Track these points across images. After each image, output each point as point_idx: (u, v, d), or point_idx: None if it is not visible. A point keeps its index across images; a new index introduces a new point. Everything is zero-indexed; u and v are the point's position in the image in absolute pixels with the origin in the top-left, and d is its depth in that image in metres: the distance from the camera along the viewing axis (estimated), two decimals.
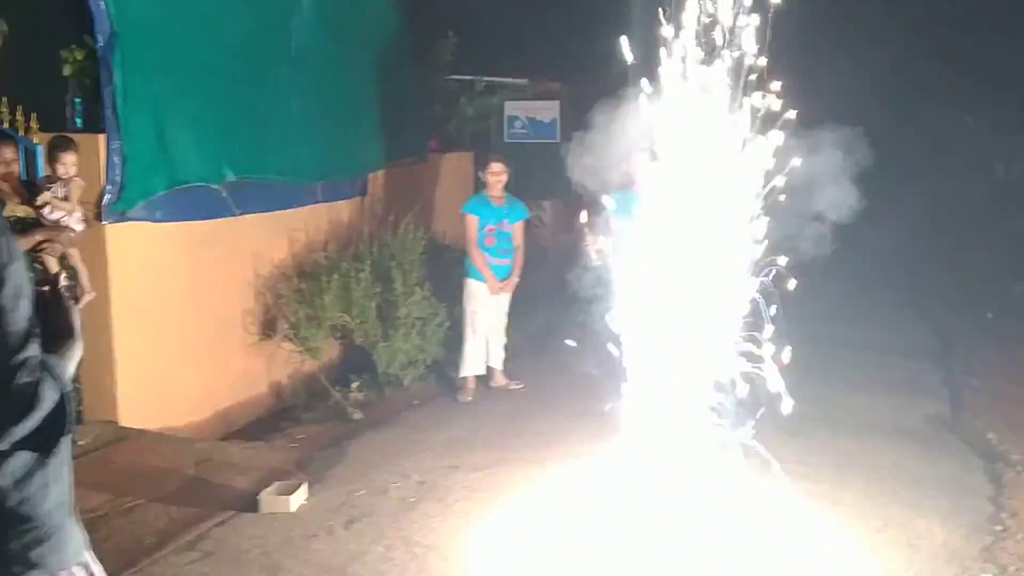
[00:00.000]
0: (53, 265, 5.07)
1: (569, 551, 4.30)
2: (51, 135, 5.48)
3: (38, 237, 4.97)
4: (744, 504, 4.50)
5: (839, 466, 5.18)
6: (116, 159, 5.48)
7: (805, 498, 4.75)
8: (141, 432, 5.58)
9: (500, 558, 4.30)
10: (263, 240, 6.87)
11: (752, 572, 4.10)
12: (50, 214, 5.05)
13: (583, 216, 6.15)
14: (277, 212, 7.01)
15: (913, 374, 7.00)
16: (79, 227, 5.18)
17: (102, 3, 5.37)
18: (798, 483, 4.87)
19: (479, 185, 7.11)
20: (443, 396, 6.83)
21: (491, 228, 6.79)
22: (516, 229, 6.89)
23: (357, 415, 6.37)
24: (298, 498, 4.78)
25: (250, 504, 4.73)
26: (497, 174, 6.84)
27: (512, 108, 10.93)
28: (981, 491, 5.02)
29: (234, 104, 6.48)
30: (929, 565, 4.22)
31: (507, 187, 6.92)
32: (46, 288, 4.21)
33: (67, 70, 5.78)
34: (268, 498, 4.72)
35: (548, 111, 10.82)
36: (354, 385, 6.68)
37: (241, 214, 6.52)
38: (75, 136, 5.56)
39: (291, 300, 6.75)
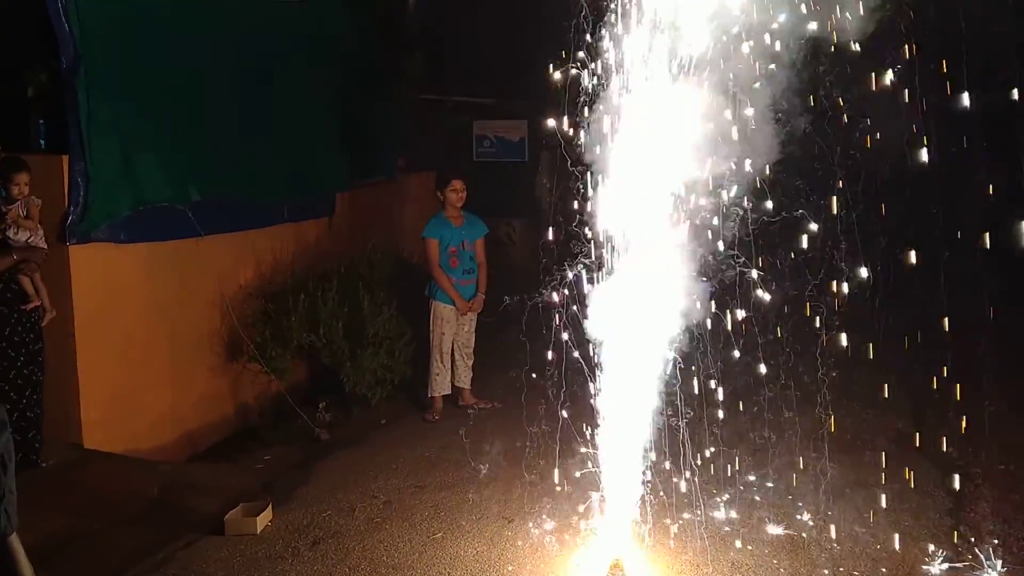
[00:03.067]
0: (29, 285, 5.07)
1: (534, 567, 4.33)
2: (14, 155, 5.45)
3: (16, 257, 4.95)
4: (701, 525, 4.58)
5: (800, 481, 5.23)
6: (80, 180, 5.46)
7: (765, 512, 4.83)
8: (106, 454, 5.54)
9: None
10: (228, 260, 6.86)
11: None
12: (15, 235, 5.02)
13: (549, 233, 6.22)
14: (243, 232, 7.01)
15: (875, 390, 7.08)
16: (43, 246, 5.18)
17: (66, 25, 5.35)
18: (758, 497, 4.97)
19: (439, 204, 7.08)
20: (411, 415, 6.84)
21: (453, 249, 6.81)
22: (478, 246, 6.92)
23: (324, 435, 6.36)
24: (263, 520, 4.77)
25: (216, 526, 4.71)
26: (459, 191, 6.87)
27: (481, 127, 10.99)
28: (941, 506, 5.08)
29: (199, 124, 6.47)
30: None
31: (465, 205, 6.96)
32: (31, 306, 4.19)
33: (31, 91, 5.76)
34: (233, 520, 4.71)
35: (516, 130, 10.90)
36: (321, 406, 6.65)
37: (206, 234, 6.50)
38: (38, 157, 5.55)
39: (257, 320, 6.74)
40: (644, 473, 4.58)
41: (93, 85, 5.50)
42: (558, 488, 5.02)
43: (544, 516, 4.84)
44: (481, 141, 11.10)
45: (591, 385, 4.49)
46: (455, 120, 10.72)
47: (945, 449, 5.65)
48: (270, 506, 4.88)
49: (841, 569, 4.35)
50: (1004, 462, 5.65)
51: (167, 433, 6.25)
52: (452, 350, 6.86)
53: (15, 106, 5.81)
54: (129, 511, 4.93)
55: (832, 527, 4.71)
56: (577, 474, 4.95)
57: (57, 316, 5.33)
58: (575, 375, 4.65)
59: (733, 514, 4.86)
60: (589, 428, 4.71)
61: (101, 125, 5.57)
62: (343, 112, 8.35)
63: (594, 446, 4.68)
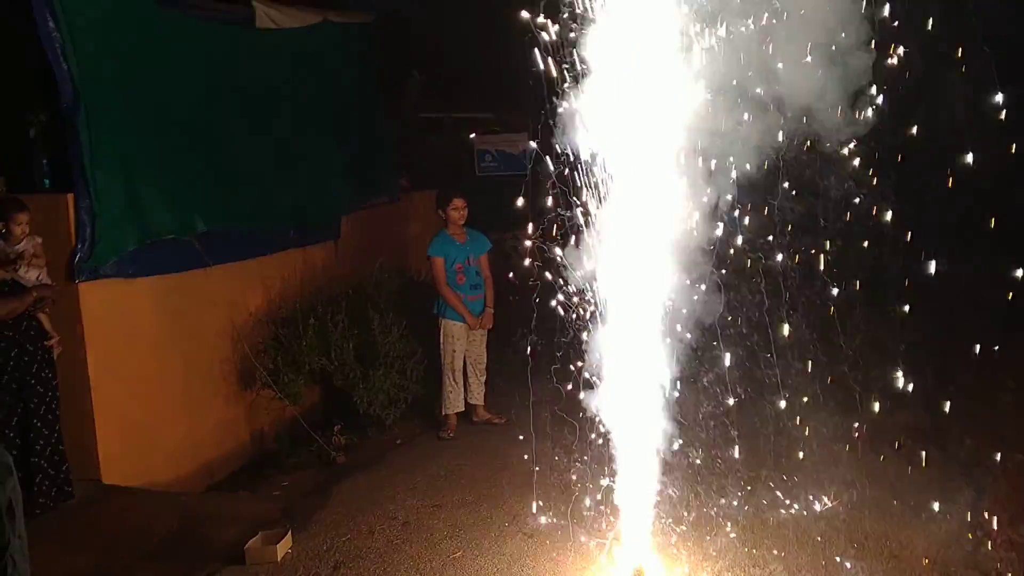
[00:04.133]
0: (48, 322, 5.13)
1: None
2: (14, 196, 5.50)
3: (35, 295, 5.02)
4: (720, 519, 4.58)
5: (819, 478, 5.22)
6: (86, 217, 5.49)
7: (786, 510, 4.82)
8: (125, 489, 5.56)
9: None
10: (237, 288, 6.89)
11: None
12: (26, 273, 5.07)
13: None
14: (250, 260, 7.03)
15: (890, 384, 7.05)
16: (50, 282, 5.24)
17: (64, 65, 5.40)
18: (778, 494, 4.97)
19: (441, 222, 7.11)
20: (426, 434, 6.85)
21: (459, 266, 6.84)
22: (483, 262, 6.95)
23: (340, 459, 6.37)
24: (283, 547, 4.78)
25: (237, 556, 4.72)
26: (461, 209, 6.91)
27: (482, 142, 11.00)
28: (961, 498, 5.06)
29: (202, 155, 6.51)
30: (912, 575, 4.27)
31: (467, 222, 6.99)
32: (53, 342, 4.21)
33: (33, 132, 5.81)
34: (253, 549, 4.72)
35: (517, 143, 10.91)
36: (336, 428, 6.66)
37: (213, 264, 6.53)
38: (44, 196, 5.61)
39: (269, 346, 6.76)
40: (662, 483, 4.60)
41: (94, 123, 5.54)
42: (576, 501, 5.01)
43: (563, 530, 4.83)
44: (483, 156, 11.11)
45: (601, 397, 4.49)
46: (455, 137, 10.74)
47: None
48: (289, 533, 4.89)
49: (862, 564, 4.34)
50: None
51: (184, 464, 6.27)
52: (464, 367, 6.86)
53: (18, 147, 5.86)
54: (151, 545, 4.94)
55: (852, 524, 4.71)
56: (594, 486, 4.95)
57: (70, 352, 5.37)
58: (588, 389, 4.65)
59: (748, 516, 4.85)
60: (604, 440, 4.73)
61: (104, 162, 5.61)
62: (344, 136, 8.39)
63: (610, 459, 4.70)
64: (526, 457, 5.71)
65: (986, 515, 4.82)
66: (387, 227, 9.06)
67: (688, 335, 4.43)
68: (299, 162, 7.63)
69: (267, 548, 4.73)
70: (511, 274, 6.15)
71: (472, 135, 10.70)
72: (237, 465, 6.71)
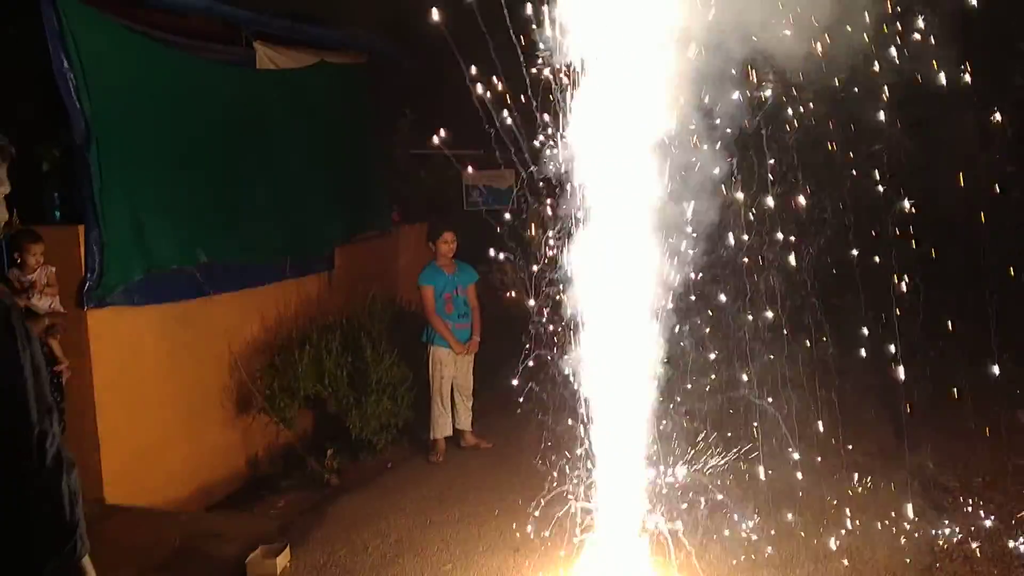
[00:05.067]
0: (58, 348, 5.40)
1: None
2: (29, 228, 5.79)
3: (47, 322, 5.29)
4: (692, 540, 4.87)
5: (787, 496, 5.51)
6: (95, 248, 5.78)
7: (750, 530, 5.12)
8: (127, 508, 5.80)
9: None
10: (235, 317, 7.16)
11: None
12: (39, 301, 5.35)
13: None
14: (248, 289, 7.32)
15: (858, 410, 7.37)
16: (62, 310, 5.51)
17: (77, 103, 5.71)
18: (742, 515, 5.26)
19: (431, 254, 7.47)
20: (415, 458, 7.10)
21: (448, 295, 7.16)
22: (470, 291, 7.27)
23: (334, 481, 6.62)
24: (282, 561, 5.04)
25: (236, 571, 4.97)
26: (450, 243, 7.25)
27: (469, 178, 11.35)
28: (922, 517, 5.36)
29: (204, 190, 6.82)
30: None
31: (456, 255, 7.34)
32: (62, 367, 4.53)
33: (45, 166, 6.11)
34: (254, 562, 4.97)
35: (504, 179, 11.26)
36: (329, 452, 6.92)
37: (213, 293, 6.82)
38: (55, 228, 5.89)
39: (265, 373, 7.03)
40: (640, 497, 4.90)
41: (104, 158, 5.84)
42: (560, 517, 5.28)
43: (548, 544, 5.11)
44: (471, 191, 11.46)
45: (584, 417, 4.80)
46: (444, 172, 11.08)
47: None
48: (288, 548, 5.14)
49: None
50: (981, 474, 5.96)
51: (184, 485, 6.51)
52: (452, 393, 7.16)
53: (30, 180, 6.14)
54: (154, 561, 5.18)
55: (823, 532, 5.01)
56: (577, 503, 5.22)
57: (77, 376, 5.63)
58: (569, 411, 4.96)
59: (725, 522, 5.15)
60: (585, 458, 5.04)
61: (113, 195, 5.90)
62: (338, 172, 8.70)
63: (590, 476, 5.01)
64: (513, 479, 6.00)
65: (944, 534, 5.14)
66: (378, 259, 9.36)
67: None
68: (295, 196, 7.93)
69: (267, 562, 4.99)
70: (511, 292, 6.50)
71: (467, 168, 11.07)
72: (233, 487, 6.95)
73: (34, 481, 2.01)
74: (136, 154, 6.16)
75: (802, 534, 5.16)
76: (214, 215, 6.90)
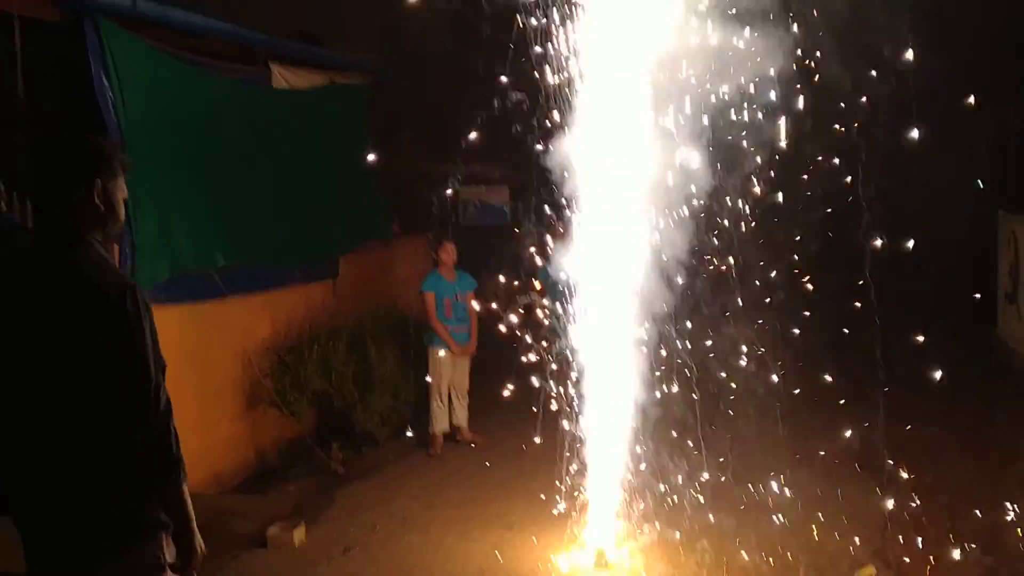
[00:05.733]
0: None
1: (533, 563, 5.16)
2: None
3: None
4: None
5: (756, 490, 6.08)
6: (128, 250, 6.29)
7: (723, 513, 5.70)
8: None
9: (476, 571, 5.12)
10: (248, 318, 7.69)
11: None
12: None
13: (536, 284, 7.36)
14: (260, 292, 7.85)
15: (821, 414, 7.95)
16: None
17: (114, 115, 6.25)
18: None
19: (432, 263, 8.06)
20: (415, 452, 7.63)
21: (448, 301, 7.72)
22: (468, 298, 7.83)
23: (340, 470, 7.14)
24: (299, 535, 5.57)
25: (258, 542, 5.49)
26: (451, 252, 7.83)
27: (466, 193, 11.93)
28: (877, 509, 5.91)
29: (223, 199, 7.35)
30: (829, 561, 5.13)
31: (457, 264, 7.89)
32: None
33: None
34: (275, 534, 5.50)
35: (499, 195, 11.85)
36: (335, 445, 7.44)
37: (230, 295, 7.35)
38: None
39: (276, 370, 7.55)
40: (621, 484, 5.48)
41: (136, 168, 6.35)
42: (550, 500, 5.86)
43: (539, 522, 5.67)
44: (466, 207, 12.04)
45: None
46: (442, 187, 11.64)
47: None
48: (303, 524, 5.67)
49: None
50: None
51: (198, 472, 6.95)
52: (449, 391, 7.70)
53: None
54: None
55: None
56: (565, 488, 5.80)
57: None
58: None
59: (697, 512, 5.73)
60: (571, 450, 5.64)
61: (143, 202, 6.41)
62: (344, 185, 9.25)
63: (577, 465, 5.62)
64: (507, 469, 6.56)
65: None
66: (380, 267, 9.91)
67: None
68: (304, 207, 8.47)
69: (285, 534, 5.51)
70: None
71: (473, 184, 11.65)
72: (243, 477, 7.43)
73: (153, 423, 2.54)
74: (164, 165, 6.68)
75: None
76: (232, 222, 7.43)
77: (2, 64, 6.17)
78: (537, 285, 7.86)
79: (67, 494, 2.47)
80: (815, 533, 5.50)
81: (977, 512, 5.72)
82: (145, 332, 2.54)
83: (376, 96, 9.90)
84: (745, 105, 5.39)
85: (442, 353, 7.65)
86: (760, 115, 5.44)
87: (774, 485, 6.15)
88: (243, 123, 7.68)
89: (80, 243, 2.56)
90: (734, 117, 5.40)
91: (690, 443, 6.06)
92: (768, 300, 6.27)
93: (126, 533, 2.53)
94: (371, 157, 9.81)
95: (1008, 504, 5.74)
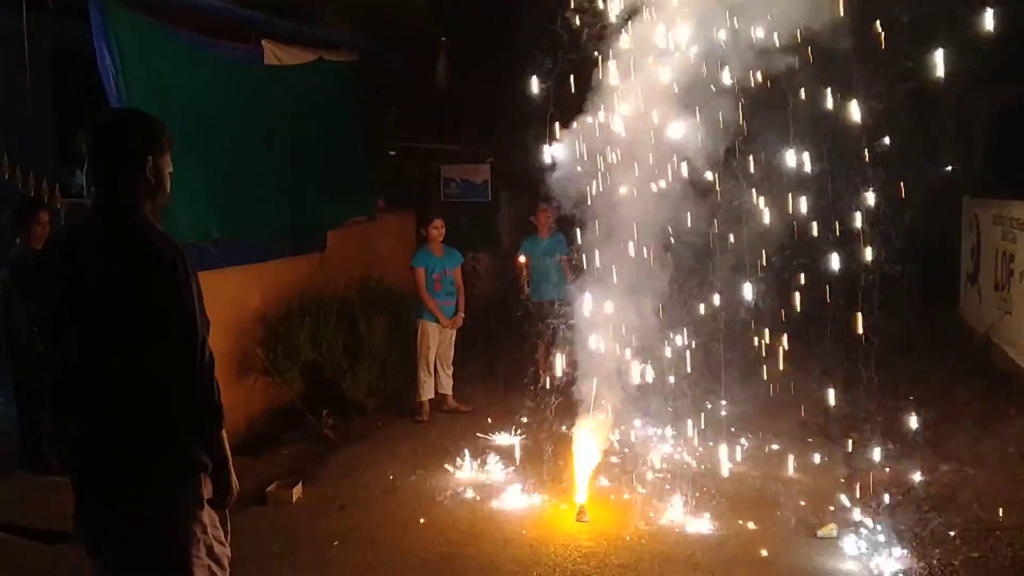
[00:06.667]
0: None
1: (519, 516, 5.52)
2: (69, 200, 6.53)
3: None
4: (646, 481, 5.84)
5: (727, 453, 6.47)
6: None
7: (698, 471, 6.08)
8: None
9: (464, 525, 5.46)
10: (240, 289, 7.92)
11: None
12: None
13: (521, 257, 7.70)
14: (252, 265, 8.10)
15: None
16: None
17: (116, 91, 6.47)
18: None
19: (420, 239, 8.36)
20: (402, 419, 7.94)
21: (437, 275, 8.02)
22: (456, 273, 8.14)
23: (331, 435, 7.43)
24: (297, 492, 5.88)
25: (257, 499, 5.80)
26: (439, 228, 8.12)
27: (447, 171, 12.21)
28: (836, 471, 6.31)
29: (217, 173, 7.56)
30: (798, 520, 5.52)
31: (444, 240, 8.20)
32: None
33: (84, 148, 6.84)
34: (274, 492, 5.81)
35: (480, 173, 12.14)
36: (324, 412, 7.72)
37: (224, 266, 7.59)
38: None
39: (268, 340, 7.82)
40: (603, 444, 5.86)
41: None
42: (535, 461, 6.22)
43: (526, 481, 6.03)
44: (448, 183, 12.32)
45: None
46: (425, 164, 11.93)
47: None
48: (300, 483, 5.98)
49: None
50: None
51: None
52: (435, 362, 8.02)
53: (69, 159, 6.89)
54: None
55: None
56: (549, 449, 6.17)
57: None
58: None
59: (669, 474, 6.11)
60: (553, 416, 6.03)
61: None
62: (331, 160, 9.49)
63: (560, 428, 5.99)
64: (493, 433, 6.92)
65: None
66: (365, 242, 10.17)
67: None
68: (294, 181, 8.72)
69: (284, 492, 5.82)
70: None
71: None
72: (236, 442, 7.68)
73: (199, 374, 2.83)
74: None
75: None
76: (225, 196, 7.65)
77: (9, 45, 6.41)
78: (522, 258, 8.27)
79: (124, 437, 2.76)
80: (782, 494, 5.87)
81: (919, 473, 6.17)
82: (193, 292, 2.83)
83: (362, 74, 10.13)
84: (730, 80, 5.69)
85: (431, 325, 7.95)
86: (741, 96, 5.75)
87: (747, 447, 6.58)
88: (237, 99, 7.89)
89: (136, 212, 2.85)
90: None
91: (674, 408, 6.48)
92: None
93: (173, 471, 2.83)
94: (357, 134, 10.12)
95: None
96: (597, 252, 5.75)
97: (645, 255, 5.71)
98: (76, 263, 2.81)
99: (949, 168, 12.61)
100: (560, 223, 7.89)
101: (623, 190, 5.66)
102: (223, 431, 2.98)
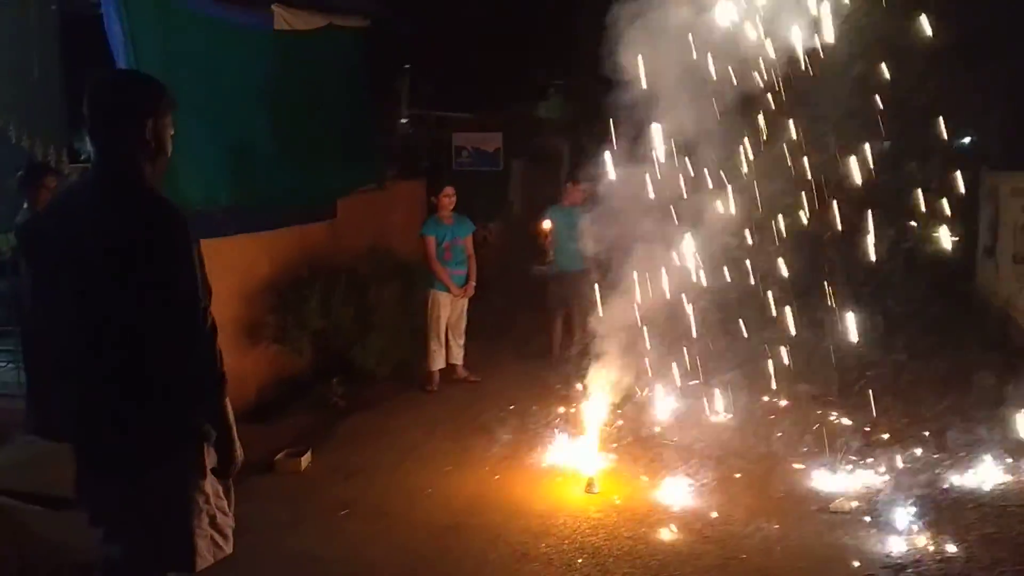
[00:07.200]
0: None
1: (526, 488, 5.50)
2: (79, 167, 6.48)
3: None
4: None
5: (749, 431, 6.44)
6: None
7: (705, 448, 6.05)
8: None
9: (472, 495, 5.44)
10: (250, 256, 7.88)
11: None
12: None
13: (546, 223, 8.13)
14: (261, 233, 8.05)
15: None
16: None
17: (125, 60, 6.40)
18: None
19: (431, 208, 8.28)
20: (412, 389, 7.91)
21: (447, 244, 7.95)
22: (467, 242, 8.07)
23: (341, 404, 7.41)
24: (305, 461, 5.87)
25: (265, 468, 5.78)
26: (450, 196, 8.04)
27: (459, 139, 12.10)
28: (851, 444, 6.26)
29: (226, 140, 7.50)
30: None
31: (455, 208, 8.12)
32: None
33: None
34: (282, 461, 5.80)
35: (492, 142, 12.03)
36: (334, 381, 7.70)
37: (233, 234, 7.54)
38: None
39: (278, 308, 7.78)
40: (612, 418, 5.83)
41: None
42: (545, 432, 6.20)
43: (535, 453, 6.01)
44: (459, 152, 12.22)
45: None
46: (437, 133, 11.82)
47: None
48: (309, 451, 5.96)
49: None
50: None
51: None
52: (446, 331, 7.97)
53: (78, 124, 6.80)
54: None
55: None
56: (559, 419, 6.14)
57: None
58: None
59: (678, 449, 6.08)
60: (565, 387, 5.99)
61: None
62: (341, 128, 9.41)
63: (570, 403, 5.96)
64: (502, 405, 6.91)
65: None
66: (375, 211, 10.10)
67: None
68: (303, 150, 8.64)
69: (292, 461, 5.81)
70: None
71: None
72: (245, 410, 7.69)
73: (200, 342, 2.78)
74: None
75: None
76: (235, 163, 7.59)
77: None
78: (547, 224, 8.19)
79: (123, 405, 2.72)
80: (795, 469, 5.83)
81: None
82: (194, 258, 2.77)
83: (373, 40, 10.01)
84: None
85: (441, 295, 7.90)
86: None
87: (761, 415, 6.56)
88: (246, 65, 7.80)
89: (135, 175, 2.79)
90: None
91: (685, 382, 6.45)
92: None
93: (173, 440, 2.79)
94: (367, 102, 10.02)
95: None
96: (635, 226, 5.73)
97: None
98: (73, 227, 2.75)
99: (967, 140, 12.43)
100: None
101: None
102: (226, 400, 2.93)
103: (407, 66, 10.76)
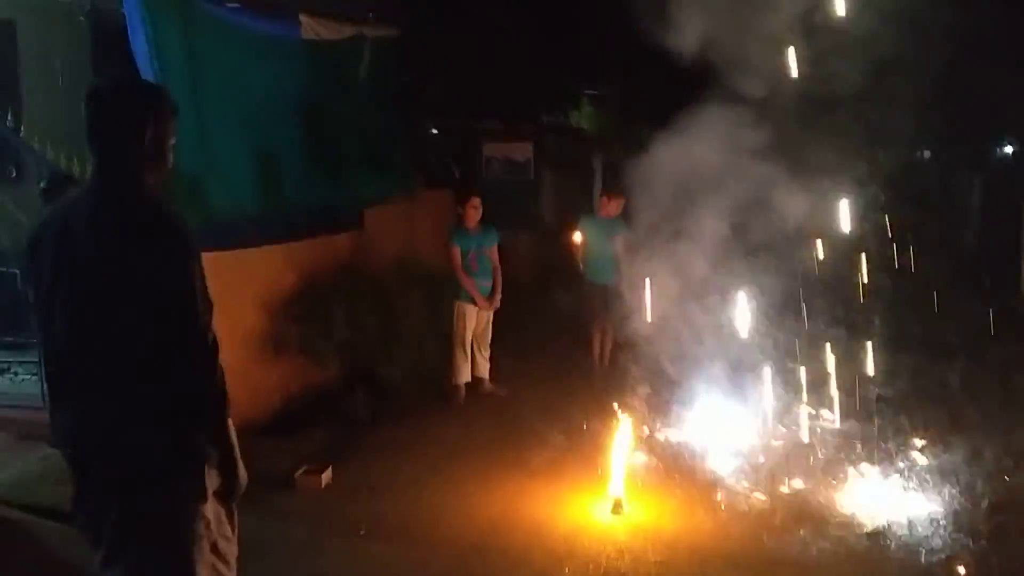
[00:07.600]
0: None
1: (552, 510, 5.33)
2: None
3: None
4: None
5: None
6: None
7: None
8: None
9: (496, 515, 5.28)
10: (276, 266, 7.81)
11: None
12: None
13: (577, 236, 8.11)
14: (288, 243, 7.98)
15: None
16: None
17: (150, 68, 6.35)
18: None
19: (457, 218, 8.16)
20: (438, 402, 7.77)
21: (473, 254, 7.83)
22: (493, 252, 7.94)
23: (365, 417, 7.30)
24: (326, 477, 5.75)
25: (286, 484, 5.68)
26: (476, 207, 7.91)
27: (489, 149, 11.99)
28: (890, 470, 6.04)
29: (253, 149, 7.47)
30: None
31: (481, 218, 8.00)
32: None
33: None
34: (302, 477, 5.69)
35: (522, 152, 11.91)
36: (360, 393, 7.60)
37: (260, 243, 7.48)
38: None
39: (303, 318, 7.69)
40: (640, 434, 5.65)
41: None
42: (572, 451, 6.04)
43: (560, 471, 5.84)
44: (489, 162, 12.11)
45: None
46: (466, 143, 11.73)
47: None
48: (330, 467, 5.85)
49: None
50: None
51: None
52: (472, 343, 7.84)
53: None
54: None
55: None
56: (586, 440, 5.98)
57: None
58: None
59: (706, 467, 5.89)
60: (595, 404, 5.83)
61: (179, 153, 6.53)
62: (370, 138, 9.34)
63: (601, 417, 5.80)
64: (528, 420, 6.75)
65: None
66: (403, 221, 10.02)
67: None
68: (330, 159, 8.58)
69: (313, 477, 5.70)
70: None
71: None
72: (269, 422, 7.62)
73: (201, 357, 2.67)
74: (197, 114, 6.79)
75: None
76: (261, 173, 7.55)
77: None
78: (578, 236, 8.07)
79: (121, 424, 2.61)
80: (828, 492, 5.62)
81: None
82: (195, 272, 2.66)
83: (403, 50, 9.94)
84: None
85: (467, 306, 7.77)
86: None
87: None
88: (274, 74, 7.76)
89: (134, 184, 2.68)
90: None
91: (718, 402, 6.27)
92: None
93: (173, 461, 2.67)
94: (396, 111, 9.95)
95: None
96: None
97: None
98: (70, 238, 2.65)
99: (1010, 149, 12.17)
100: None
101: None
102: (228, 419, 2.81)
103: (436, 75, 10.65)
